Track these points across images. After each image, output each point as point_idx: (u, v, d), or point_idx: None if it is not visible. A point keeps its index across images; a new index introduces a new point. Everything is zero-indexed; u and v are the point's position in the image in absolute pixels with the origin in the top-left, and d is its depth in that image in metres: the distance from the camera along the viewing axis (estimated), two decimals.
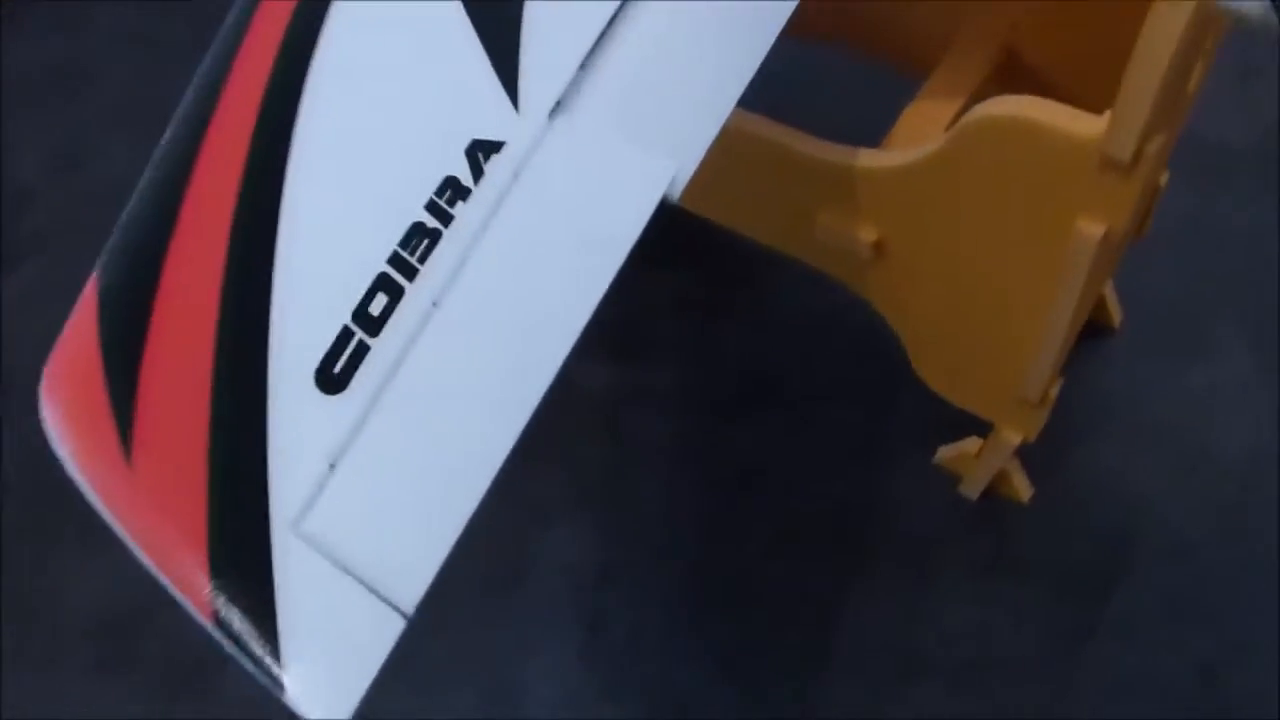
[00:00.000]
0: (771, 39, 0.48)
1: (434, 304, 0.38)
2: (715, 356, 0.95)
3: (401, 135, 0.40)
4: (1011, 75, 0.74)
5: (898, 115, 0.72)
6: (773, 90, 0.69)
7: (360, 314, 0.37)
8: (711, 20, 0.47)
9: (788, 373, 0.94)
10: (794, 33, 0.87)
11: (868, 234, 0.66)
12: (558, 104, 0.42)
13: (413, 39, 0.42)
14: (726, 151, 0.69)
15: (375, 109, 0.41)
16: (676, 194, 0.43)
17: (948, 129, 0.60)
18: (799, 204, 0.68)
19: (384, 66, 0.41)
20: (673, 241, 1.01)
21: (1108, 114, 0.51)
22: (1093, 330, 0.87)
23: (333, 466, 0.36)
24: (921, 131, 0.69)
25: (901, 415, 0.89)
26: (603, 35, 0.43)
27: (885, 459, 0.88)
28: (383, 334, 0.37)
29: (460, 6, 0.41)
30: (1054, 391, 0.68)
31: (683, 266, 0.98)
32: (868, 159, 0.63)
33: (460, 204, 0.39)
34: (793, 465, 0.89)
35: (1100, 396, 0.86)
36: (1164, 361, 0.88)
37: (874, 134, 0.69)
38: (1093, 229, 0.54)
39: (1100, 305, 0.88)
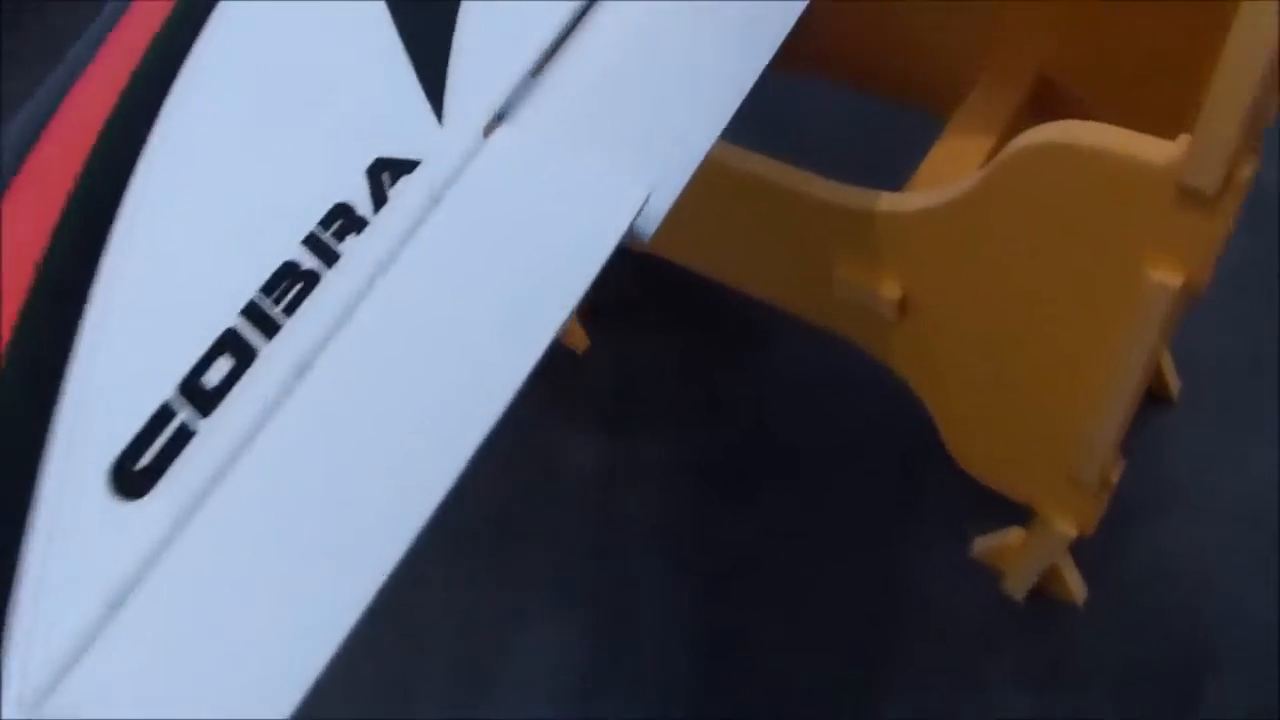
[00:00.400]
0: (772, 50, 0.40)
1: (299, 372, 0.28)
2: (717, 427, 0.86)
3: (282, 149, 0.31)
4: (1048, 108, 0.65)
5: (921, 156, 0.64)
6: (780, 131, 0.61)
7: (190, 386, 0.27)
8: (698, 27, 0.38)
9: (798, 445, 0.84)
10: (803, 69, 0.80)
11: (891, 290, 0.56)
12: (498, 116, 0.33)
13: (316, 32, 0.33)
14: (729, 198, 0.61)
15: (254, 115, 0.32)
16: (650, 228, 0.34)
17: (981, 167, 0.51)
18: (812, 257, 0.59)
19: (276, 65, 0.33)
20: (670, 300, 0.94)
21: (1184, 137, 0.41)
22: (1146, 399, 0.77)
23: (113, 610, 0.25)
24: (950, 171, 0.60)
25: (929, 493, 0.79)
26: (562, 38, 0.34)
27: (912, 545, 0.78)
28: (217, 414, 0.27)
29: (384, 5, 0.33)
30: (1114, 475, 0.58)
31: (681, 328, 0.90)
32: (891, 202, 0.54)
33: (352, 238, 0.30)
34: (804, 550, 0.79)
35: (1159, 476, 0.76)
36: (1228, 434, 0.78)
37: (895, 178, 0.60)
38: (1167, 278, 0.45)
39: (1155, 370, 0.78)
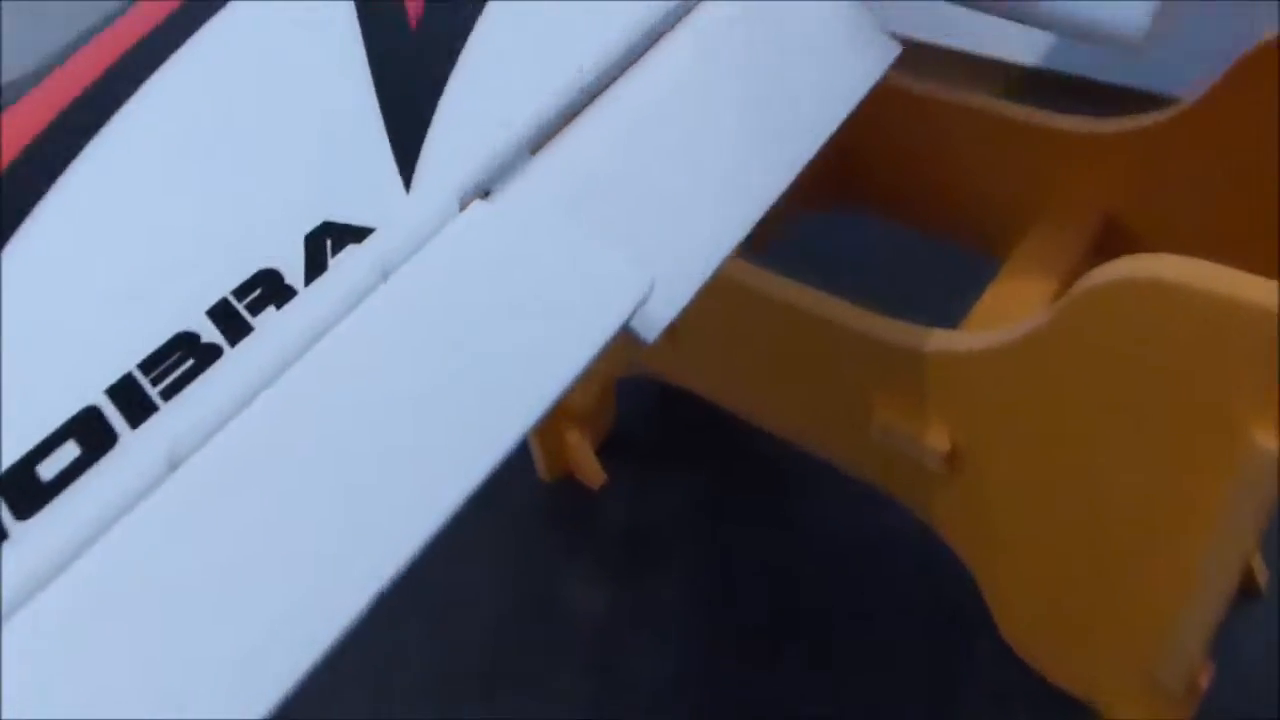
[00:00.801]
0: (806, 157, 0.34)
1: (170, 465, 0.22)
2: (735, 580, 0.78)
3: (215, 196, 0.25)
4: (1114, 250, 0.59)
5: (974, 298, 0.58)
6: (819, 262, 0.55)
7: (17, 478, 0.21)
8: (724, 123, 0.33)
9: (826, 606, 0.75)
10: (852, 207, 0.76)
11: (938, 440, 0.49)
12: (481, 191, 0.27)
13: (287, 75, 0.28)
14: (759, 327, 0.55)
15: (197, 151, 0.26)
16: (652, 332, 0.28)
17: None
18: (850, 398, 0.53)
19: (237, 99, 0.27)
20: (696, 437, 0.88)
21: None
22: None
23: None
24: (1009, 313, 0.54)
25: (973, 674, 0.70)
26: (571, 115, 0.29)
27: None
28: (41, 517, 0.21)
29: (362, 53, 0.28)
30: (1204, 679, 0.49)
31: (706, 468, 0.83)
32: (944, 341, 0.48)
33: (270, 311, 0.24)
34: None
35: (1248, 679, 0.66)
36: None
37: (945, 320, 0.54)
38: (1275, 442, 0.38)
39: None
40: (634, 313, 0.27)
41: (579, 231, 0.28)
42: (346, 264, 0.25)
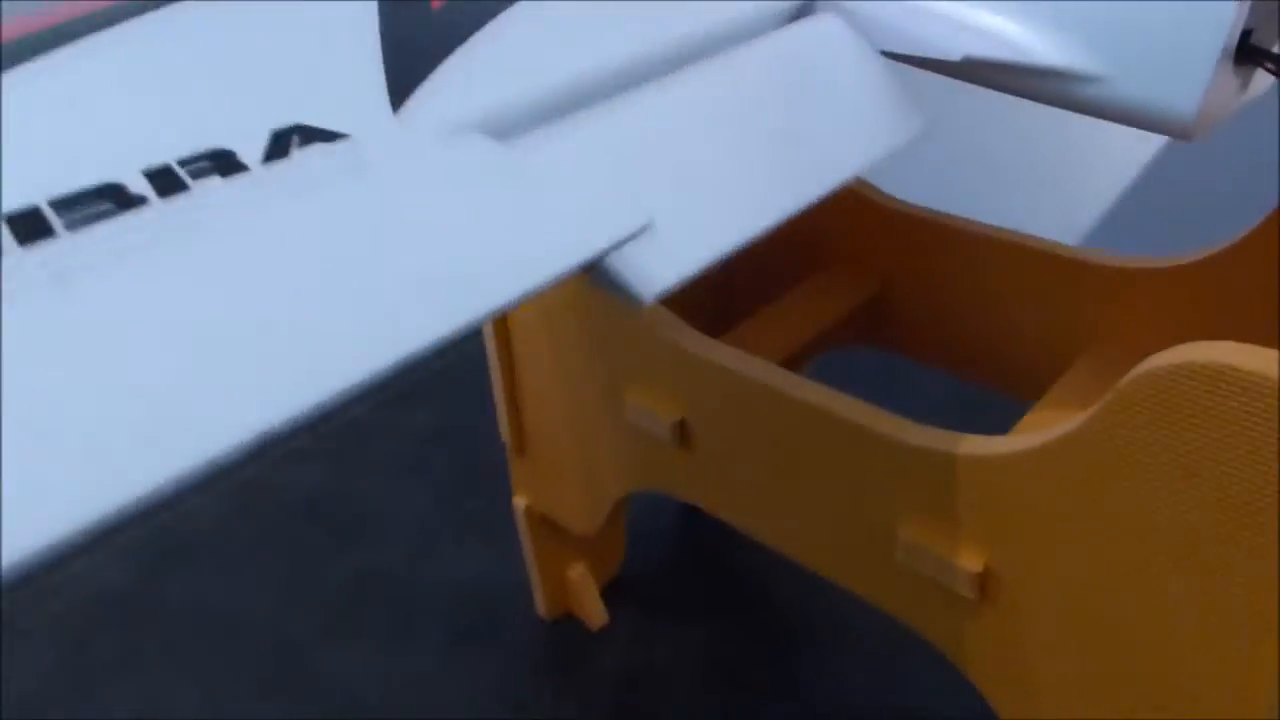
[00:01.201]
0: (830, 185, 0.33)
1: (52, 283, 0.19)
2: None
3: (184, 89, 0.24)
4: None
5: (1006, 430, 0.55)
6: (845, 389, 0.53)
7: None
8: (758, 123, 0.32)
9: None
10: (884, 347, 0.74)
11: (970, 560, 0.45)
12: (478, 129, 0.25)
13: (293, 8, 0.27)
14: (774, 429, 0.52)
15: (175, 52, 0.25)
16: (648, 289, 0.25)
17: None
18: (873, 512, 0.49)
19: (246, 20, 0.26)
20: (701, 581, 0.84)
21: None
22: None
23: None
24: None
25: None
26: (590, 97, 0.28)
27: None
28: None
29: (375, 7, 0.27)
30: None
31: (710, 617, 0.77)
32: (978, 446, 0.44)
33: (215, 179, 0.22)
34: None
35: None
36: None
37: None
38: None
39: None
40: (625, 241, 0.24)
41: (570, 167, 0.25)
42: (310, 155, 0.23)
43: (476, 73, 0.26)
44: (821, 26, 0.39)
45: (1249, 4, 0.36)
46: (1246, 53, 0.38)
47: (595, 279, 0.24)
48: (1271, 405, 0.34)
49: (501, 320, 0.63)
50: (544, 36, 0.29)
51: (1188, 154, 1.01)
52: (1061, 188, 1.11)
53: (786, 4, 0.40)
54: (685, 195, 0.27)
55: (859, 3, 0.41)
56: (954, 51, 0.39)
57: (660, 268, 0.25)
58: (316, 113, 0.24)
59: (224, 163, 0.22)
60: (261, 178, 0.22)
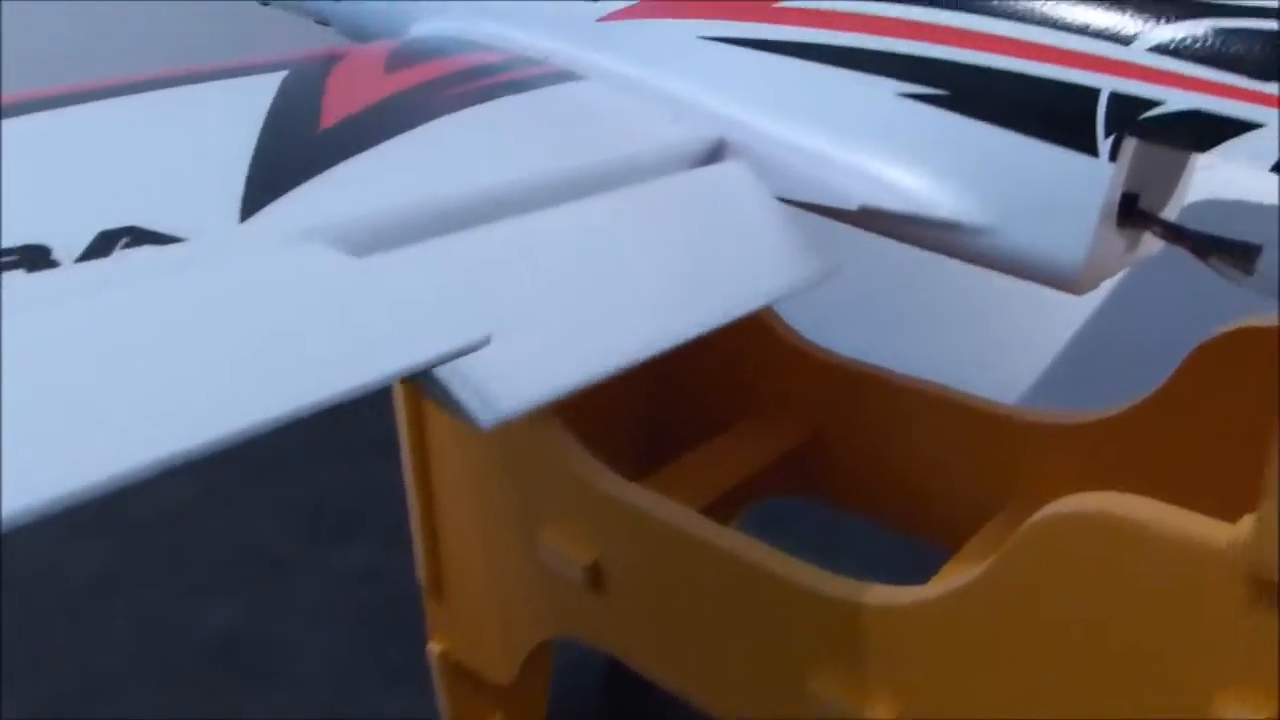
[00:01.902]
0: (716, 320, 0.33)
1: None
2: None
3: (35, 182, 0.24)
4: None
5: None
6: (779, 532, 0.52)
7: None
8: (633, 266, 0.32)
9: None
10: (809, 493, 0.74)
11: (882, 709, 0.44)
12: (327, 241, 0.25)
13: (183, 118, 0.27)
14: (689, 575, 0.51)
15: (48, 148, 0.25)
16: (487, 414, 0.25)
17: None
18: (780, 661, 0.48)
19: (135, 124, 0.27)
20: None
21: (1249, 517, 0.32)
22: None
23: None
24: None
25: None
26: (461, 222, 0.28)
27: None
28: None
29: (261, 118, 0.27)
30: None
31: None
32: (884, 595, 0.43)
33: (19, 272, 0.21)
34: None
35: None
36: None
37: None
38: (1243, 713, 0.33)
39: None
40: (458, 355, 0.23)
41: (410, 280, 0.25)
42: (134, 256, 0.23)
43: (345, 191, 0.27)
44: (723, 171, 0.40)
45: (1125, 169, 0.37)
46: (1132, 215, 0.40)
47: (434, 396, 0.24)
48: (1159, 557, 0.34)
49: (420, 452, 0.62)
50: (427, 161, 0.29)
51: (1130, 304, 1.04)
52: (1004, 338, 1.12)
53: (693, 149, 0.41)
54: (543, 322, 0.27)
55: (762, 150, 0.42)
56: (851, 200, 0.40)
57: (505, 391, 0.25)
58: (159, 217, 0.24)
59: (36, 256, 0.22)
60: (67, 274, 0.22)
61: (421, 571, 0.67)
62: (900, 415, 0.65)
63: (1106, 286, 1.05)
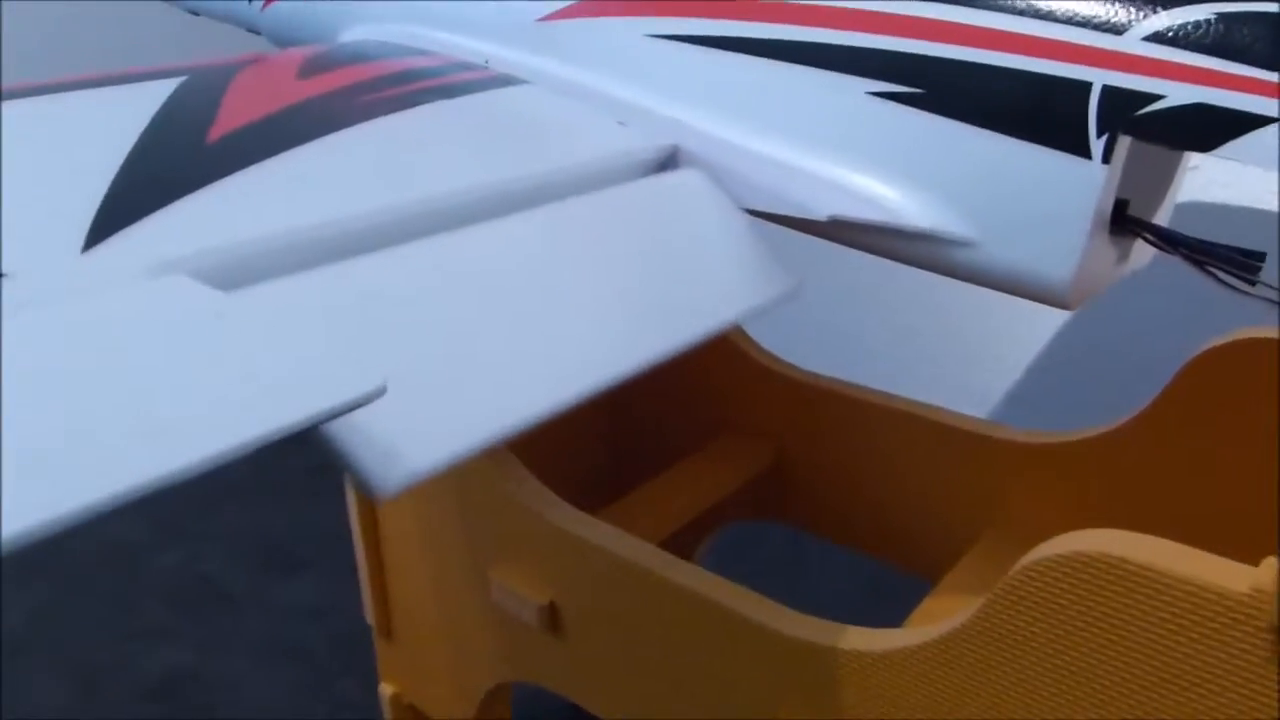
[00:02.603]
0: (666, 345, 0.29)
1: None
2: None
3: None
4: None
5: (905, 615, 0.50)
6: (743, 573, 0.49)
7: None
8: (571, 290, 0.28)
9: None
10: (780, 517, 0.70)
11: None
12: (200, 270, 0.21)
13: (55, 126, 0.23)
14: (648, 618, 0.47)
15: None
16: (391, 477, 0.20)
17: None
18: (749, 707, 0.44)
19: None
20: None
21: (1270, 560, 0.29)
22: None
23: None
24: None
25: None
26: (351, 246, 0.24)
27: None
28: None
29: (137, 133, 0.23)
30: None
31: None
32: (863, 640, 0.40)
33: None
34: None
35: None
36: None
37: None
38: None
39: None
40: (349, 407, 0.19)
41: (295, 318, 0.21)
42: None
43: (226, 211, 0.23)
44: (679, 179, 0.37)
45: (1119, 172, 0.34)
46: (1124, 222, 0.36)
47: (329, 457, 0.20)
48: (1170, 604, 0.30)
49: None
50: (331, 175, 0.25)
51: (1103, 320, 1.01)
52: (970, 354, 1.10)
53: (644, 157, 0.38)
54: (465, 358, 0.23)
55: (720, 157, 0.38)
56: (820, 211, 0.37)
57: (413, 450, 0.21)
58: None
59: None
60: None
61: (369, 611, 0.63)
62: (873, 434, 0.62)
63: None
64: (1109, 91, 0.32)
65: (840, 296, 1.14)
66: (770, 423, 0.66)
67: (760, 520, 0.68)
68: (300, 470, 1.08)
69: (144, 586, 0.92)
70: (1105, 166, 0.33)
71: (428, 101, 0.34)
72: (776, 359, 0.66)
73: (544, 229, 0.29)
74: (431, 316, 0.24)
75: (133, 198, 0.22)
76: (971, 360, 1.10)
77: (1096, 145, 0.33)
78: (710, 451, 0.66)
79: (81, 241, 0.21)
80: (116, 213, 0.21)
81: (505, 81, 0.42)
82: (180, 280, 0.20)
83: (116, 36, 1.18)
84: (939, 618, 0.49)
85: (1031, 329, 1.05)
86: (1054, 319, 1.05)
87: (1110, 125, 0.33)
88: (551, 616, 0.50)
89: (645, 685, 0.48)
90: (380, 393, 0.19)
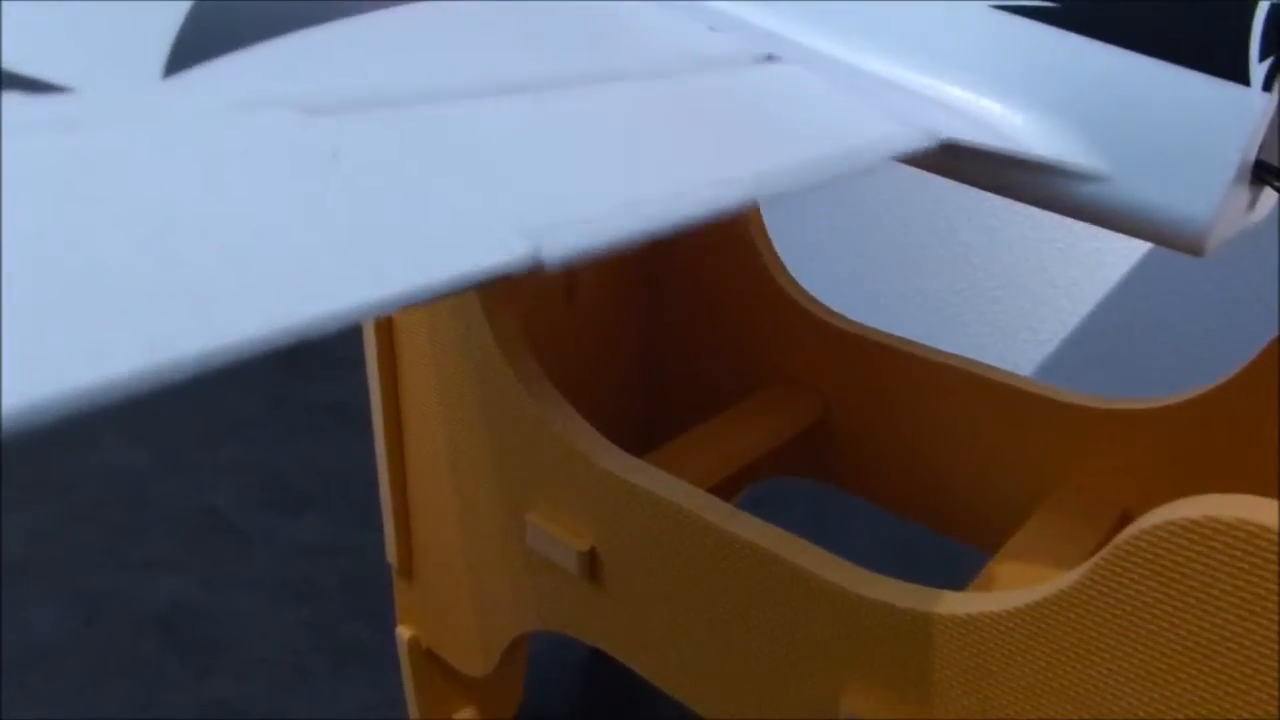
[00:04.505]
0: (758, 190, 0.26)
1: None
2: None
3: None
4: None
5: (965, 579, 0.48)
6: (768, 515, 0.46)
7: None
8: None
9: None
10: (824, 475, 0.67)
11: None
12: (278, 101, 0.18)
13: None
14: (697, 567, 0.44)
15: None
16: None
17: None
18: (812, 675, 0.41)
19: None
20: None
21: None
22: None
23: None
24: (1013, 585, 0.44)
25: None
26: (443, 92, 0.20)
27: None
28: None
29: None
30: None
31: None
32: (954, 604, 0.37)
33: None
34: None
35: None
36: None
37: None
38: None
39: None
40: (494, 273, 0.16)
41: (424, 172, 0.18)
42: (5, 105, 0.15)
43: (317, 57, 0.19)
44: (782, 70, 0.33)
45: (1278, 98, 0.30)
46: (1259, 168, 0.33)
47: None
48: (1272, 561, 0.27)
49: (395, 419, 0.55)
50: (425, 41, 0.22)
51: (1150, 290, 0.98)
52: (1006, 324, 1.07)
53: (735, 62, 0.34)
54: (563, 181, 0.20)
55: (825, 73, 0.35)
56: (931, 135, 0.33)
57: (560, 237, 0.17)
58: (38, 60, 0.16)
59: None
60: None
61: (391, 549, 0.60)
62: (925, 393, 0.59)
63: (1126, 264, 0.99)
64: (1278, 10, 0.29)
65: (870, 260, 1.11)
66: (819, 376, 0.63)
67: (799, 475, 0.65)
68: (304, 407, 1.06)
69: (147, 516, 0.90)
70: (1266, 95, 0.30)
71: None
72: (827, 309, 0.63)
73: (653, 91, 0.25)
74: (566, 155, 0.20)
75: (212, 31, 0.19)
76: (1006, 330, 1.07)
77: (1258, 70, 0.30)
78: (754, 403, 0.63)
79: (160, 66, 0.17)
80: (196, 43, 0.18)
81: None
82: (293, 113, 0.17)
83: None
84: (1004, 585, 0.46)
85: (1071, 300, 1.02)
86: (1094, 290, 1.02)
87: (1277, 48, 0.29)
88: (592, 564, 0.48)
89: (692, 643, 0.45)
90: (529, 260, 0.16)
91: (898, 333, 0.60)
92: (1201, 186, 0.31)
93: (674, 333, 0.68)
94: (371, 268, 0.13)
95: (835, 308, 0.63)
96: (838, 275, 1.11)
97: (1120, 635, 0.32)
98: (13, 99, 0.15)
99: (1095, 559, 0.32)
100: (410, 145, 0.17)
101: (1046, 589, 0.33)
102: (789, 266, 0.64)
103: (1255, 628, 0.29)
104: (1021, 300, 1.05)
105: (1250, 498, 0.29)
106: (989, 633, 0.35)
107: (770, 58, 0.35)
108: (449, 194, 0.16)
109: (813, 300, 0.63)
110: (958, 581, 0.47)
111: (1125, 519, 0.52)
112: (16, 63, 0.16)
